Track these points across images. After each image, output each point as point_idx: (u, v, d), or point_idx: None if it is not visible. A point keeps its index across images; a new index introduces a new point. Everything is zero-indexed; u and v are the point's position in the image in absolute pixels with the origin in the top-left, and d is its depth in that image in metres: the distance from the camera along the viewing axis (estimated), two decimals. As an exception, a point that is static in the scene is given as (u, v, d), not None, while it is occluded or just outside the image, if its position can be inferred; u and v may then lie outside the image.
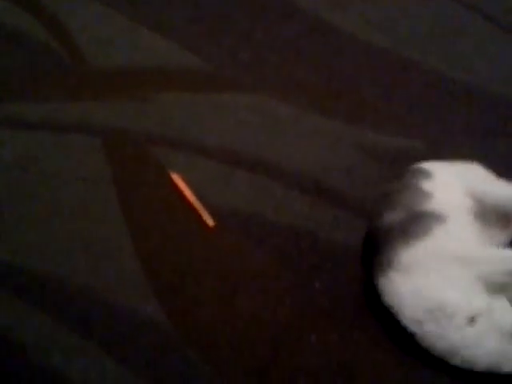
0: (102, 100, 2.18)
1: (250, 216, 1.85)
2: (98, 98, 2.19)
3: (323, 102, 2.15)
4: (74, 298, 1.68)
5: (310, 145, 2.03)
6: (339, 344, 1.60)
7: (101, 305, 1.66)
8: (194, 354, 1.58)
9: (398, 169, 1.81)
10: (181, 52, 2.31)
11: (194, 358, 1.57)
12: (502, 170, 1.78)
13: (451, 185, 1.71)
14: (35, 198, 1.90)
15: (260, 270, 1.74)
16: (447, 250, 1.56)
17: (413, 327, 1.53)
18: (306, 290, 1.70)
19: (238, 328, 1.63)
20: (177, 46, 2.34)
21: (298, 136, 2.06)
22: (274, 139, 2.05)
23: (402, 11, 2.46)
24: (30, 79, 2.25)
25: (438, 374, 1.52)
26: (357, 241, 1.73)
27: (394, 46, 2.33)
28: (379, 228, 1.66)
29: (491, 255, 1.57)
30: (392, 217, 1.65)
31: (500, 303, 1.52)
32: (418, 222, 1.61)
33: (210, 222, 1.84)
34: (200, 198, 1.89)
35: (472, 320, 1.48)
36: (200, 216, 1.85)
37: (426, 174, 1.73)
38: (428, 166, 1.78)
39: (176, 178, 1.94)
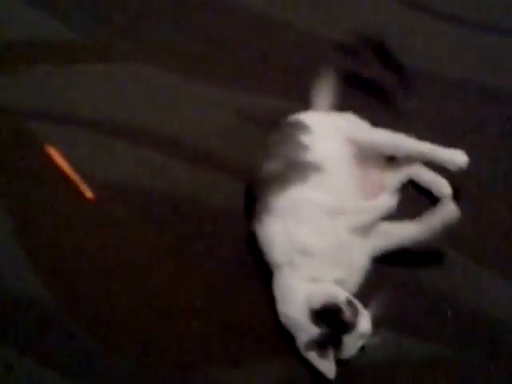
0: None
1: (129, 186, 1.84)
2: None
3: (200, 68, 2.14)
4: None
5: (188, 111, 2.03)
6: (224, 306, 1.62)
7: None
8: (76, 327, 1.57)
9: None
10: (51, 23, 2.25)
11: (76, 332, 1.56)
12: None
13: (328, 135, 1.76)
14: None
15: (140, 239, 1.74)
16: (320, 199, 1.61)
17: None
18: (189, 254, 1.71)
19: (121, 300, 1.63)
20: (47, 18, 2.27)
21: (176, 103, 2.05)
22: (152, 108, 2.03)
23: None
24: None
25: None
26: (237, 203, 1.75)
27: (267, 8, 2.34)
28: (258, 178, 1.69)
29: (355, 208, 1.64)
30: (270, 166, 1.69)
31: None
32: (296, 170, 1.66)
33: (89, 193, 1.81)
34: (78, 170, 1.86)
35: None
36: (78, 188, 1.82)
37: (303, 127, 1.77)
38: (304, 117, 1.82)
39: (51, 151, 1.89)
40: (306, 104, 1.96)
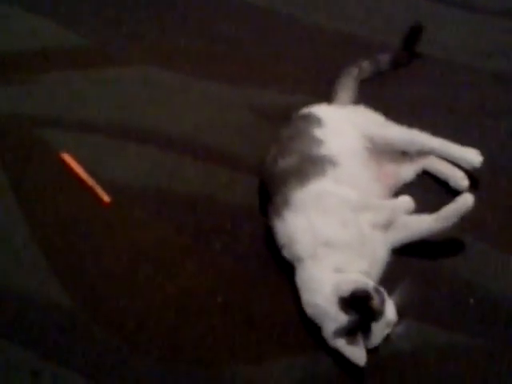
0: (-20, 87, 2.12)
1: (145, 188, 1.85)
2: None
3: (209, 67, 2.15)
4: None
5: (199, 111, 2.03)
6: (245, 301, 1.62)
7: (1, 293, 1.64)
8: (99, 329, 1.57)
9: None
10: (59, 30, 2.26)
11: (100, 334, 1.57)
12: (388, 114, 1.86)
13: (341, 128, 1.76)
14: None
15: (158, 240, 1.74)
16: (346, 194, 1.61)
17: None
18: (208, 252, 1.71)
19: (143, 300, 1.63)
20: (54, 25, 2.29)
21: (188, 103, 2.06)
22: (162, 109, 2.04)
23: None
24: None
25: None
26: (254, 200, 1.75)
27: (275, 5, 2.34)
28: (274, 173, 1.69)
29: (378, 205, 1.64)
30: (286, 162, 1.69)
31: None
32: (313, 164, 1.66)
33: (106, 197, 1.82)
34: (93, 175, 1.87)
35: None
36: (95, 193, 1.83)
37: (316, 120, 1.77)
38: (316, 109, 1.82)
39: (66, 158, 1.90)
40: (317, 97, 1.96)
